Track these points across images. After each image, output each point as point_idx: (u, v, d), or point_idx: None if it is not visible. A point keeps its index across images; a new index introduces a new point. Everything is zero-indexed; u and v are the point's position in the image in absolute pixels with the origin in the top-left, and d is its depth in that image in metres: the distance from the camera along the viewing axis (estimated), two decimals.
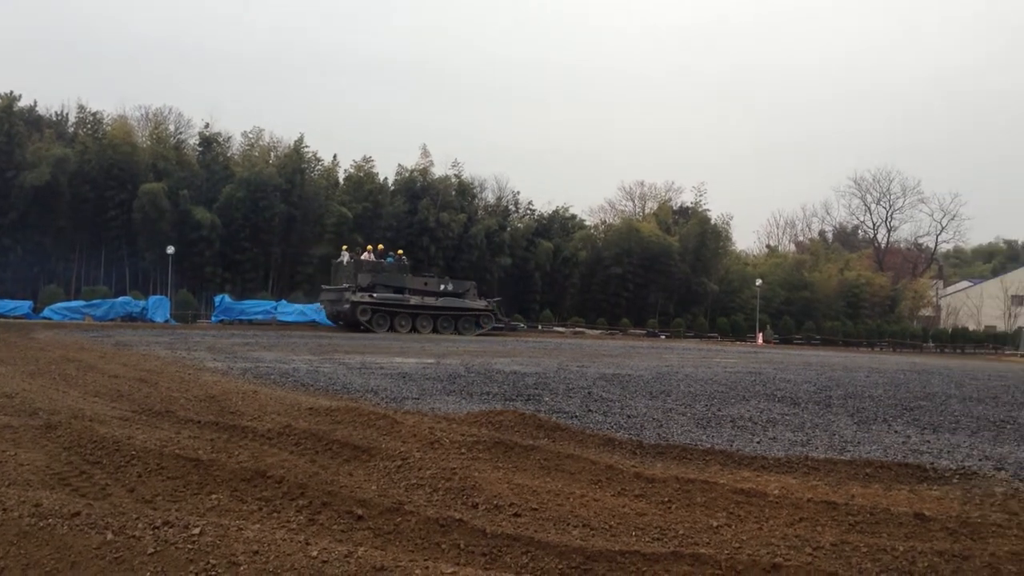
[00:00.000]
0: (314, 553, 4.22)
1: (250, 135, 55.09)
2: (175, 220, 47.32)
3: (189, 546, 4.28)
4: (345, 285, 42.24)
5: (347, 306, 41.19)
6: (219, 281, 48.69)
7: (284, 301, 46.64)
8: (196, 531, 4.44)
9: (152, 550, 4.25)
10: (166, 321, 42.03)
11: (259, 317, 44.37)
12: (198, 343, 24.98)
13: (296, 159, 52.07)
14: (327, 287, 44.22)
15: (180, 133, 56.24)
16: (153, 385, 12.35)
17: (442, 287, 44.81)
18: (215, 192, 49.66)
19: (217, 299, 44.80)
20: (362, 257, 44.21)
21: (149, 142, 52.28)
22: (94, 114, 51.79)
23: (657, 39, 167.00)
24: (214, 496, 5.71)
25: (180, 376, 13.96)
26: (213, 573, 4.04)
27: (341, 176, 57.10)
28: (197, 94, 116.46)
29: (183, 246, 46.65)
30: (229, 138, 55.33)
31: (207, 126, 54.61)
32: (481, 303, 45.57)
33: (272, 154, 53.89)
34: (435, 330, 42.83)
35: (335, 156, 57.98)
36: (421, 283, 44.40)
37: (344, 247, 45.58)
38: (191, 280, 48.62)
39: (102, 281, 47.52)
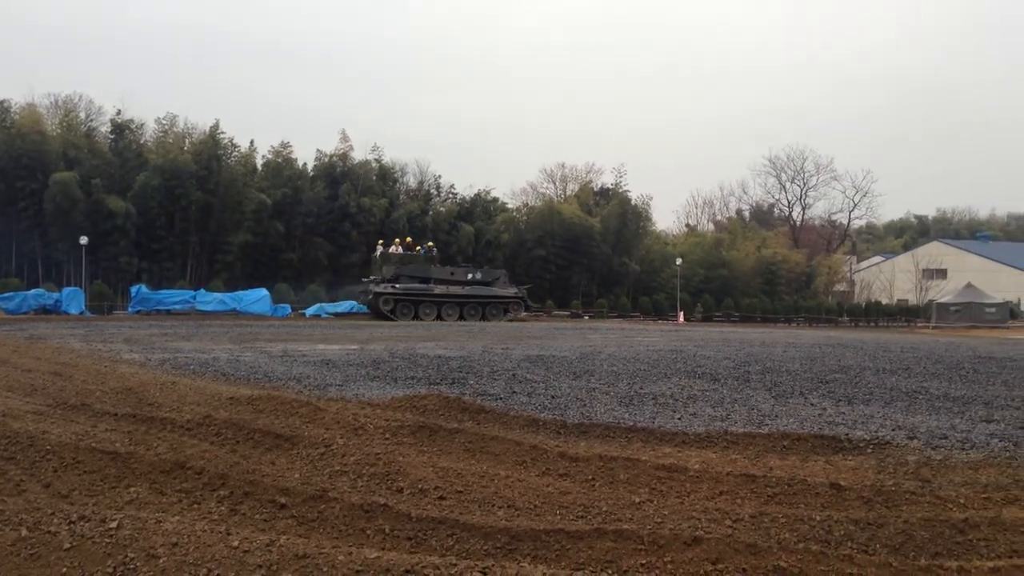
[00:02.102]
0: (235, 543, 4.17)
1: (164, 121, 53.82)
2: (88, 210, 46.14)
3: (106, 540, 4.20)
4: (374, 277, 45.09)
5: (371, 297, 43.97)
6: (135, 271, 47.64)
7: (203, 290, 45.90)
8: (113, 525, 4.36)
9: (68, 545, 4.16)
10: (81, 313, 41.11)
11: (177, 307, 43.61)
12: (114, 335, 24.43)
13: (212, 145, 51.05)
14: (364, 279, 46.70)
15: (91, 120, 54.65)
16: (68, 378, 12.03)
17: (469, 276, 46.64)
18: (129, 180, 48.51)
19: (133, 289, 43.91)
20: (390, 250, 46.22)
21: (59, 130, 50.83)
22: (1, 102, 50.20)
23: (575, 22, 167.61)
24: (132, 489, 5.60)
25: (96, 369, 13.63)
26: (131, 566, 3.97)
27: (259, 162, 56.25)
28: (108, 81, 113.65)
29: (97, 236, 45.55)
30: (142, 125, 53.97)
31: (119, 113, 53.15)
32: (511, 290, 47.31)
33: (187, 141, 52.77)
34: (462, 317, 44.70)
35: (252, 142, 56.97)
36: (447, 273, 46.55)
37: (380, 241, 47.72)
38: (106, 271, 47.47)
39: (14, 273, 46.11)
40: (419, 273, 45.38)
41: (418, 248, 47.65)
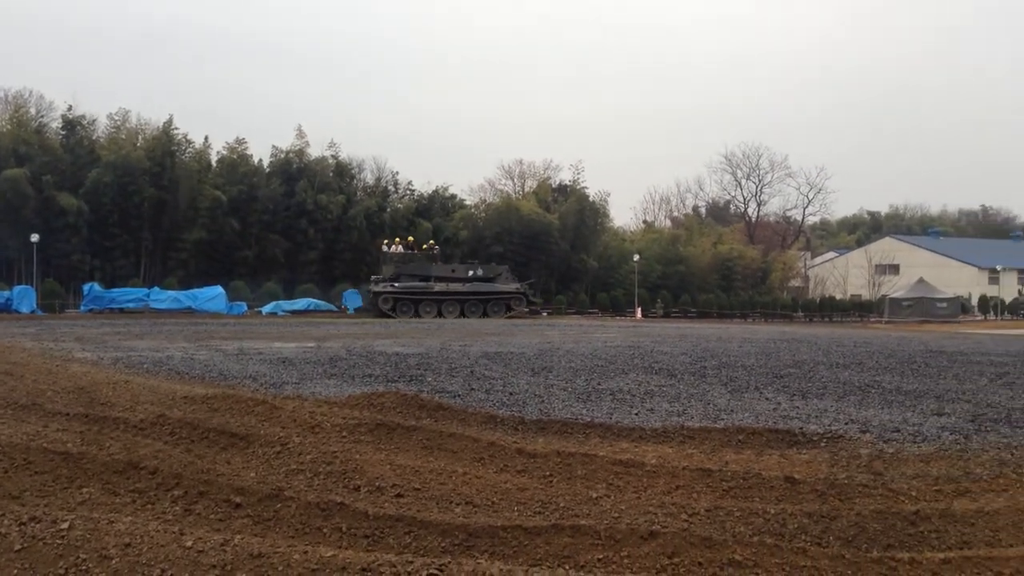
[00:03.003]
0: (189, 543, 4.13)
1: (116, 117, 53.20)
2: (39, 207, 45.49)
3: (58, 541, 4.15)
4: (378, 276, 46.23)
5: (370, 296, 45.56)
6: (88, 269, 47.04)
7: (157, 288, 45.42)
8: (65, 526, 4.30)
9: (19, 547, 4.10)
10: (32, 312, 40.54)
11: (131, 305, 43.16)
12: (66, 333, 24.08)
13: (165, 141, 50.51)
14: (372, 278, 47.63)
15: (42, 116, 53.71)
16: (19, 378, 11.83)
17: (470, 273, 47.29)
18: (81, 177, 47.86)
19: (86, 288, 43.36)
20: (390, 250, 47.29)
21: (9, 126, 49.99)
22: None
23: (533, 17, 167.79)
24: (85, 490, 5.53)
25: (47, 368, 13.42)
26: (83, 568, 3.92)
27: (214, 158, 55.63)
28: (59, 75, 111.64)
29: (48, 233, 44.87)
30: (94, 121, 53.31)
31: (70, 108, 52.41)
32: (512, 286, 47.67)
33: (140, 137, 52.16)
34: (463, 314, 45.13)
35: (206, 138, 56.19)
36: (448, 270, 47.47)
37: (385, 241, 48.88)
38: (58, 269, 46.78)
39: None
40: (419, 271, 46.22)
41: (425, 247, 48.70)
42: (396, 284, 45.18)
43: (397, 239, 48.82)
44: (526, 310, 48.49)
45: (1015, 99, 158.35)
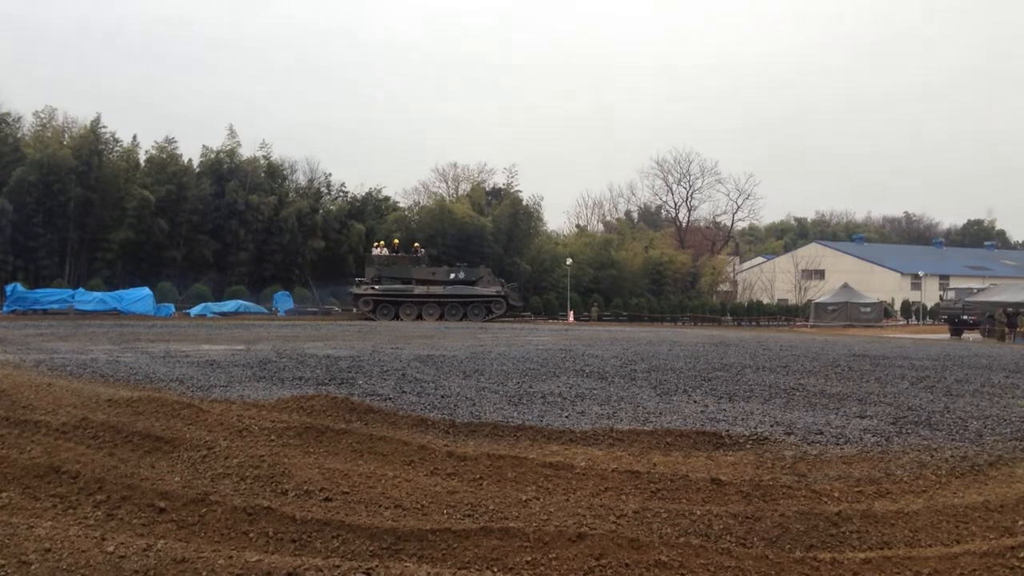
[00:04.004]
0: (111, 548, 4.06)
1: (42, 115, 52.02)
2: None
3: None
4: (359, 278, 47.26)
5: (351, 298, 46.64)
6: (11, 269, 45.90)
7: (82, 289, 44.47)
8: None
9: None
10: None
11: (55, 306, 42.28)
12: None
13: (92, 140, 49.49)
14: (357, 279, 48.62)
15: None
16: None
17: (451, 275, 47.80)
18: (4, 175, 46.77)
19: (8, 288, 42.31)
20: (375, 252, 48.35)
21: None
22: None
23: (467, 19, 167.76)
24: (4, 494, 5.40)
25: None
26: (2, 573, 3.83)
27: (142, 158, 54.63)
28: None
29: None
30: (19, 118, 52.08)
31: None
32: (493, 289, 48.05)
33: (66, 135, 51.05)
34: (443, 317, 45.93)
35: (135, 137, 55.16)
36: (429, 273, 47.98)
37: (373, 244, 50.15)
38: None
39: None
40: (400, 274, 46.95)
41: (397, 248, 49.45)
42: (377, 286, 45.98)
43: (382, 242, 49.78)
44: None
45: (938, 112, 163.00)
